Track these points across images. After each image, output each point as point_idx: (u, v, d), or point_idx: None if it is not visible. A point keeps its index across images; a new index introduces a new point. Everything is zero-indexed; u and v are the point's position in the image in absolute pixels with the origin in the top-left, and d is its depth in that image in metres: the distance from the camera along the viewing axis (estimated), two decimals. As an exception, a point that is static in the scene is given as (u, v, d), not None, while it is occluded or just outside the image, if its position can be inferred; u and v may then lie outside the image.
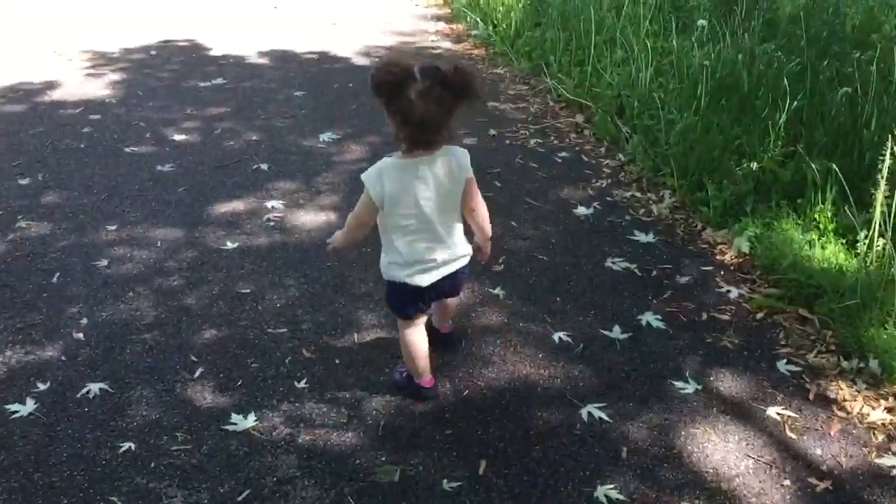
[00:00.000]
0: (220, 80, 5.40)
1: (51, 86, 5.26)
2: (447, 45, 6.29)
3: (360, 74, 5.57)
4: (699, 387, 2.59)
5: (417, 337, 2.45)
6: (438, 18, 7.00)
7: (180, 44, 6.24)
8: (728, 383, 2.61)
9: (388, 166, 2.16)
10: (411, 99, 2.01)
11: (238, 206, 3.76)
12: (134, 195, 3.86)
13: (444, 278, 2.32)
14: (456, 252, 2.31)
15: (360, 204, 2.25)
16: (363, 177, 2.19)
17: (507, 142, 4.51)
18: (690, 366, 2.70)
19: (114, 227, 3.57)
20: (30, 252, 3.38)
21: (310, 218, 3.67)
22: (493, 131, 4.62)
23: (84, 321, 2.92)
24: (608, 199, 3.85)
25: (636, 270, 3.26)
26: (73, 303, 3.04)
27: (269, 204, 3.77)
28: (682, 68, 4.54)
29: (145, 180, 4.01)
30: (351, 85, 5.36)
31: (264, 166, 4.15)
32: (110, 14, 7.01)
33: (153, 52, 5.98)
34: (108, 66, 5.69)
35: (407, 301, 2.38)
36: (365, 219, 2.28)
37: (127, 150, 4.34)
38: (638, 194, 3.88)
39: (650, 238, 3.49)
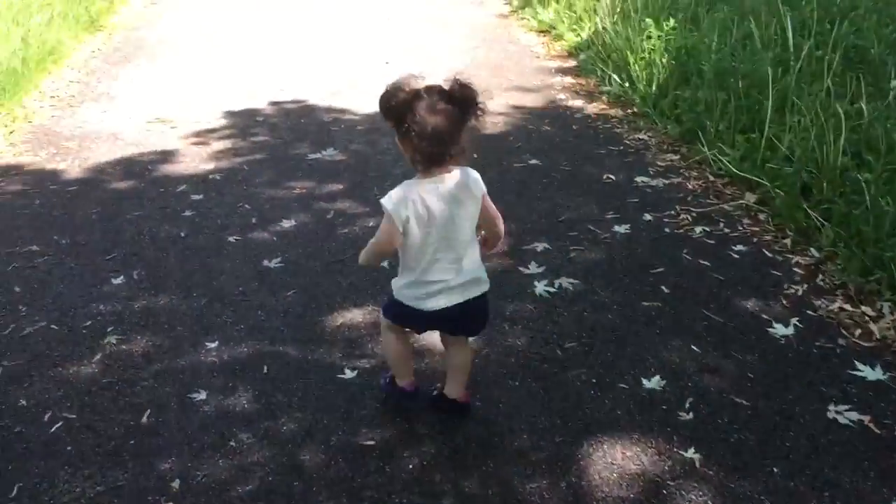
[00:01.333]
0: (331, 151, 4.90)
1: (152, 160, 4.87)
2: (577, 103, 5.65)
3: (487, 142, 4.97)
4: None
5: (400, 337, 2.51)
6: (564, 72, 6.36)
7: (288, 106, 5.80)
8: None
9: (408, 188, 2.21)
10: (421, 114, 2.09)
11: (356, 316, 3.18)
12: (237, 300, 3.34)
13: (456, 305, 2.31)
14: (472, 274, 2.32)
15: (380, 230, 2.29)
16: (384, 202, 2.22)
17: (667, 230, 3.80)
18: None
19: (214, 344, 3.04)
20: (119, 378, 2.87)
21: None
22: (648, 216, 3.92)
23: (176, 483, 2.37)
24: (809, 312, 3.09)
25: (872, 426, 2.49)
26: (164, 454, 2.49)
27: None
28: (879, 138, 3.75)
29: (250, 280, 3.49)
30: (475, 156, 4.75)
31: (385, 262, 3.57)
32: (216, 74, 6.67)
33: (259, 118, 5.55)
34: (212, 134, 5.27)
35: (405, 320, 2.44)
36: (387, 246, 2.32)
37: (231, 239, 3.85)
38: (847, 307, 3.11)
39: (879, 374, 2.72)
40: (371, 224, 3.95)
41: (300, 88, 6.14)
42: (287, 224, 3.98)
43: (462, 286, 2.31)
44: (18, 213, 4.19)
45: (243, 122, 5.47)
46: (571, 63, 6.59)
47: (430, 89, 2.13)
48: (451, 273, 2.28)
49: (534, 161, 4.63)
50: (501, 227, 2.46)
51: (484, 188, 2.29)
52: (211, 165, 4.75)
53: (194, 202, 4.26)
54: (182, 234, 3.91)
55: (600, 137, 5.01)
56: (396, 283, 2.38)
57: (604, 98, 5.69)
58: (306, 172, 4.61)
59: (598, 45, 6.33)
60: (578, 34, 6.95)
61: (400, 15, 8.42)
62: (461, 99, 2.12)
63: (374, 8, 8.70)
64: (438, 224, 2.21)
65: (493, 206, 2.37)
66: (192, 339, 3.09)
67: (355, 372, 2.85)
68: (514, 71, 6.44)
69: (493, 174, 4.43)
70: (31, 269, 3.64)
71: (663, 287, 3.31)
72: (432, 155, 2.16)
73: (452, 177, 2.21)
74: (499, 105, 5.62)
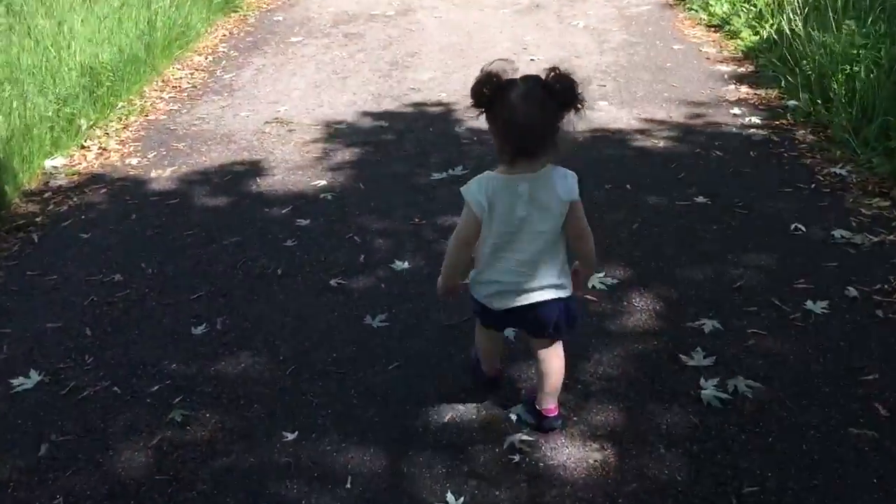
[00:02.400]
0: (459, 170, 4.24)
1: (263, 170, 4.38)
2: (756, 120, 4.73)
3: (645, 169, 4.17)
4: None
5: (491, 339, 2.46)
6: (739, 79, 5.41)
7: (418, 110, 5.19)
8: None
9: (488, 179, 2.11)
10: (513, 102, 1.99)
11: (467, 412, 2.53)
12: (329, 371, 2.76)
13: (526, 307, 2.19)
14: (544, 281, 2.18)
15: (461, 220, 2.18)
16: (463, 189, 2.14)
17: (880, 313, 2.91)
18: None
19: (292, 436, 2.47)
20: (175, 475, 2.35)
21: (573, 451, 2.36)
22: (852, 289, 3.04)
23: None
24: None
25: None
26: None
27: (514, 415, 2.51)
28: None
29: (347, 343, 2.90)
30: (628, 186, 3.99)
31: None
32: (346, 67, 6.14)
33: (384, 124, 4.96)
34: (331, 141, 4.74)
35: (484, 317, 2.35)
36: (468, 235, 2.18)
37: (332, 283, 3.28)
38: None
39: None
40: (498, 274, 3.27)
41: (434, 89, 5.51)
42: (399, 266, 3.37)
43: (530, 292, 2.18)
44: (111, 231, 3.79)
45: (366, 128, 4.91)
46: (748, 68, 5.62)
47: (527, 78, 2.03)
48: (517, 276, 2.17)
49: (701, 198, 3.80)
50: (592, 252, 2.27)
51: (576, 195, 2.11)
52: (324, 181, 4.20)
53: (299, 229, 3.72)
54: (279, 272, 3.37)
55: (785, 169, 4.10)
56: (472, 276, 2.28)
57: (789, 116, 4.74)
58: (427, 197, 3.98)
59: (782, 48, 5.34)
60: (758, 32, 5.95)
61: (549, 1, 7.62)
62: (560, 90, 2.00)
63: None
64: (510, 221, 2.10)
65: (584, 221, 2.18)
66: (267, 423, 2.54)
67: (460, 499, 2.21)
68: (679, 75, 5.55)
69: (648, 212, 3.68)
70: (108, 305, 3.20)
71: (878, 406, 2.47)
72: (521, 147, 2.04)
73: (539, 175, 2.07)
74: (660, 120, 4.80)
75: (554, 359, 2.34)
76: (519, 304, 2.19)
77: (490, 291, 2.21)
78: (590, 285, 3.16)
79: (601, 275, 3.22)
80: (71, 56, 5.21)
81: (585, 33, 6.64)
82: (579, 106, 2.02)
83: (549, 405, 2.39)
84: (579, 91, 2.01)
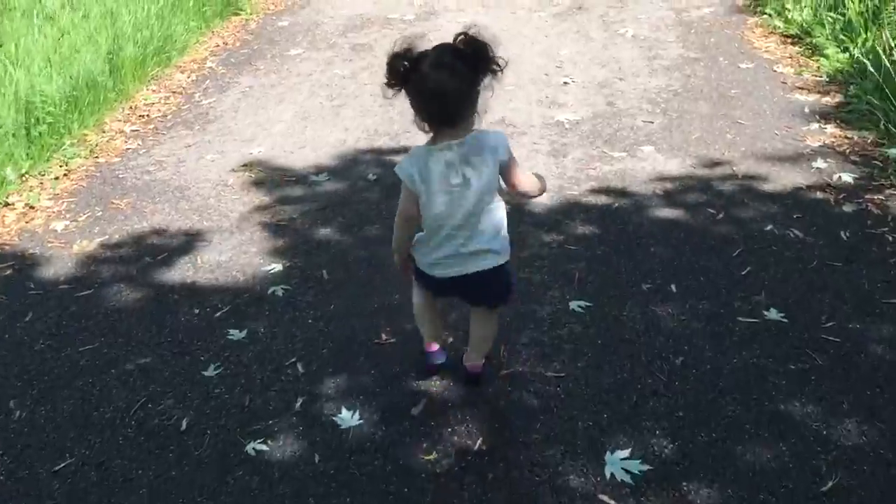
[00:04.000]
0: (453, 252, 3.27)
1: (208, 244, 3.49)
2: (847, 178, 3.65)
3: (691, 256, 3.15)
4: None
5: (426, 302, 2.46)
6: (824, 116, 4.30)
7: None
8: None
9: (418, 154, 2.13)
10: (424, 71, 1.99)
11: None
12: None
13: (464, 276, 2.20)
14: (482, 245, 2.17)
15: (401, 198, 2.21)
16: (396, 168, 2.16)
17: None
18: None
19: None
20: None
21: None
22: None
23: None
24: None
25: None
26: None
27: None
28: None
29: (244, 573, 1.99)
30: (673, 287, 2.97)
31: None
32: (343, 91, 5.24)
33: (372, 176, 4.01)
34: (304, 201, 3.82)
35: (422, 282, 2.36)
36: (409, 211, 2.20)
37: (250, 448, 2.37)
38: None
39: None
40: (482, 445, 2.31)
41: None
42: (345, 420, 2.44)
43: (470, 256, 2.18)
44: (-8, 342, 2.94)
45: (349, 183, 3.96)
46: (835, 98, 4.49)
47: (438, 46, 2.03)
48: (457, 242, 2.16)
49: (773, 313, 2.78)
50: (533, 183, 2.28)
51: (507, 155, 2.13)
52: (279, 265, 3.28)
53: (228, 347, 2.81)
54: (183, 425, 2.47)
55: (890, 263, 3.04)
56: (413, 242, 2.26)
57: (891, 174, 3.64)
58: (405, 296, 3.01)
59: (879, 75, 4.22)
60: (847, 49, 4.81)
61: (594, 2, 6.55)
62: (471, 55, 1.99)
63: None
64: (444, 191, 2.09)
65: (520, 172, 2.21)
66: None
67: None
68: (747, 107, 4.46)
69: (698, 335, 2.68)
70: (-58, 479, 2.35)
71: None
72: (437, 116, 2.05)
73: (466, 141, 2.07)
74: (720, 176, 3.75)
75: (488, 325, 2.42)
76: (458, 273, 2.19)
77: (430, 260, 2.22)
78: (607, 473, 2.18)
79: (625, 454, 2.24)
80: (8, 88, 4.38)
81: (634, 45, 5.57)
82: (495, 68, 2.01)
83: (476, 362, 2.49)
84: (492, 53, 2.00)
